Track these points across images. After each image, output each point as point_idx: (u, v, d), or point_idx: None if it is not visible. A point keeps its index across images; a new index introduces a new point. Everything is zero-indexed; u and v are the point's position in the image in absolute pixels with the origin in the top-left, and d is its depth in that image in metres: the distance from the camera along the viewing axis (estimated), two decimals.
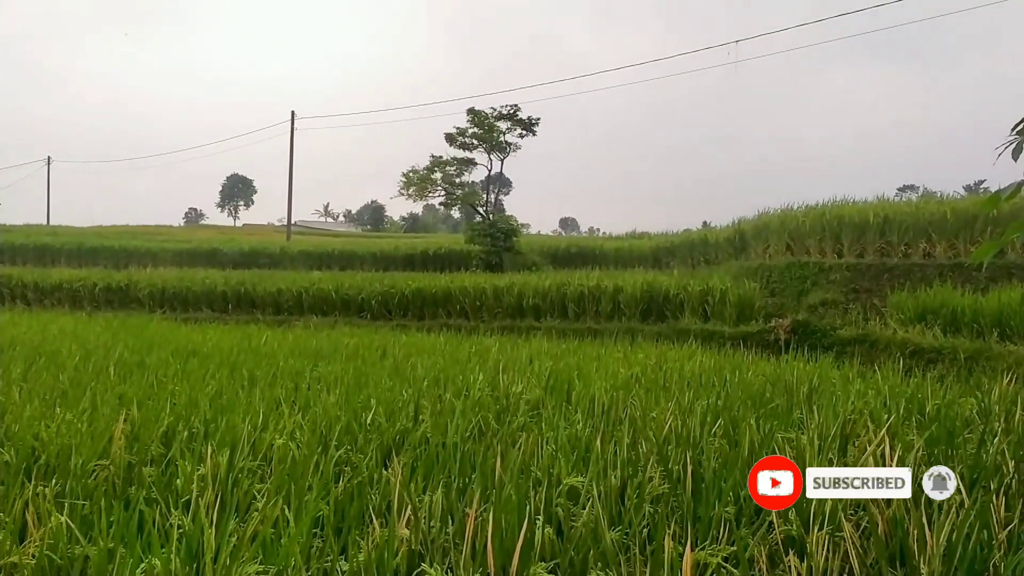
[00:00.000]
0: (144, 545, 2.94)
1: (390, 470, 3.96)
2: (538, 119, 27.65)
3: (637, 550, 3.11)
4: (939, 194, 18.87)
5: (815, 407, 5.49)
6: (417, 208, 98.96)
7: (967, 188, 53.85)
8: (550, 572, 2.94)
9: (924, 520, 3.00)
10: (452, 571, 3.00)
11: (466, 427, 4.94)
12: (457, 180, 28.65)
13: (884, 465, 3.64)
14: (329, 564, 2.95)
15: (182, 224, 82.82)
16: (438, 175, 28.21)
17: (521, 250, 26.46)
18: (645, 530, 3.31)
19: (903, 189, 52.96)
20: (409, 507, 3.31)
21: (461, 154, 28.24)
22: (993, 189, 2.78)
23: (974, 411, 5.50)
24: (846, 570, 3.00)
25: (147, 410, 5.15)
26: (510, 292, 16.64)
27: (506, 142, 27.97)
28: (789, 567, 2.97)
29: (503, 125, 27.46)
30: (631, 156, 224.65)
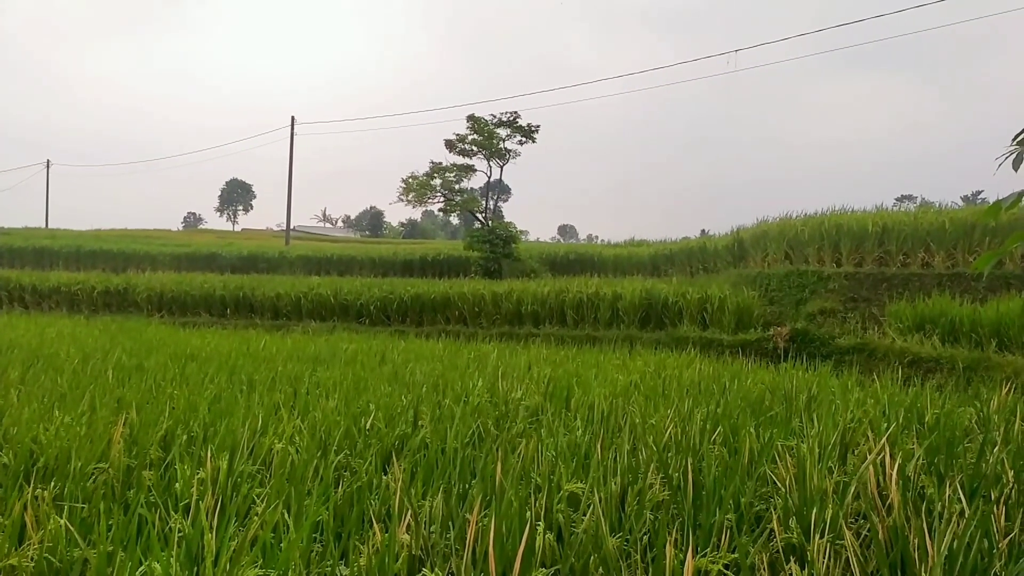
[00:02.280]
0: (143, 548, 2.93)
1: (390, 475, 3.95)
2: (538, 126, 27.75)
3: (638, 556, 3.11)
4: (937, 204, 18.91)
5: (814, 415, 5.49)
6: (416, 214, 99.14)
7: (965, 199, 54.13)
8: None
9: (925, 529, 3.00)
10: None
11: (465, 433, 4.93)
12: (456, 186, 28.70)
13: (884, 474, 3.64)
14: (329, 569, 2.94)
15: (181, 228, 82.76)
16: (437, 181, 28.26)
17: (520, 257, 26.48)
18: (646, 537, 3.30)
19: (901, 199, 53.22)
20: (409, 512, 3.30)
21: (461, 160, 28.32)
22: (991, 200, 2.79)
23: (973, 421, 5.50)
24: None
25: (146, 414, 5.14)
26: (509, 299, 16.64)
27: (505, 149, 28.04)
28: (790, 575, 2.97)
29: (503, 132, 27.54)
30: (630, 164, 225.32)
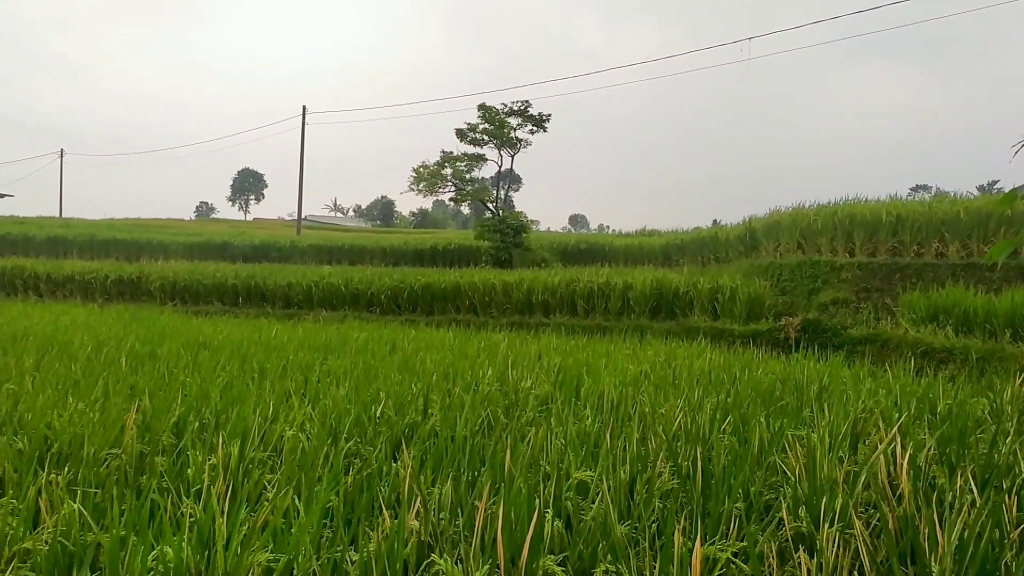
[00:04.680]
0: (156, 533, 2.97)
1: (399, 462, 3.97)
2: (549, 115, 27.64)
3: (646, 544, 3.11)
4: (952, 194, 18.68)
5: (825, 405, 5.46)
6: (427, 203, 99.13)
7: (980, 189, 53.51)
8: (559, 565, 2.94)
9: (935, 518, 2.98)
10: (462, 562, 3.00)
11: (475, 421, 4.94)
12: (467, 176, 28.67)
13: (895, 463, 3.62)
14: (339, 554, 2.96)
15: (193, 217, 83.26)
16: (448, 171, 28.23)
17: (531, 246, 26.45)
18: (654, 525, 3.30)
19: (916, 189, 52.69)
20: (418, 499, 3.31)
21: (472, 150, 28.28)
22: (1007, 190, 2.75)
23: (986, 411, 5.46)
24: (856, 567, 2.98)
25: (158, 401, 5.18)
26: (519, 288, 16.63)
27: (516, 138, 27.96)
28: (799, 563, 2.96)
29: (514, 121, 27.46)
30: (641, 153, 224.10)
